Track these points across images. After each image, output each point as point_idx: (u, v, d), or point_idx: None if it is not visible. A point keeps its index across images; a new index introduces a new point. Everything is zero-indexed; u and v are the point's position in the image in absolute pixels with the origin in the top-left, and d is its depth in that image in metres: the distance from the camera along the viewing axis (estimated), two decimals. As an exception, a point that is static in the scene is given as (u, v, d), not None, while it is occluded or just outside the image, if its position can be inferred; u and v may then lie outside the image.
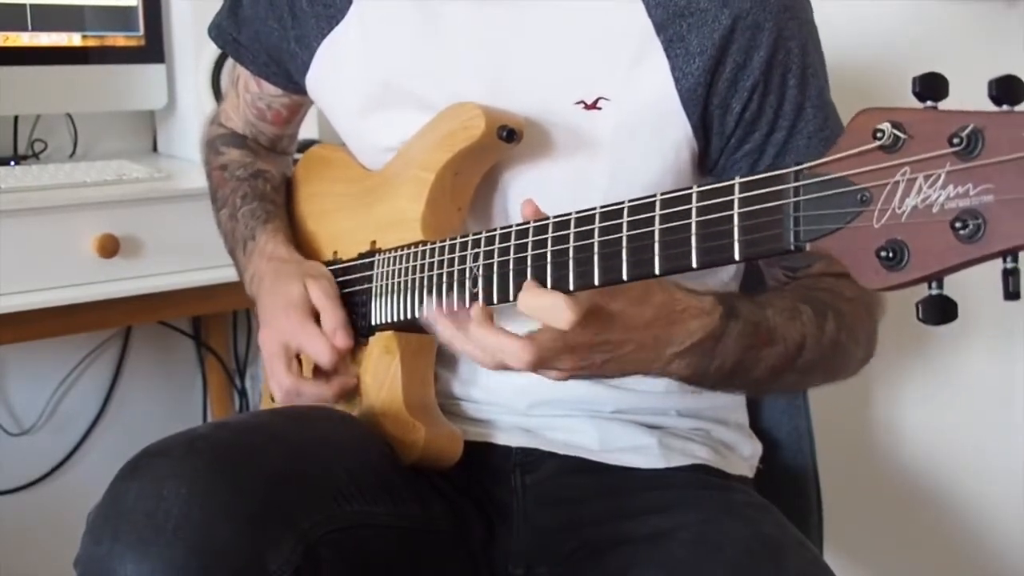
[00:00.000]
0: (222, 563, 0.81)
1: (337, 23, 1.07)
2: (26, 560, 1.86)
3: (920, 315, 0.61)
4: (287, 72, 1.16)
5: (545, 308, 0.80)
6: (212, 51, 1.74)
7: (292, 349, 1.05)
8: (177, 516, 0.81)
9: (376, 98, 1.06)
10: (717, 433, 1.11)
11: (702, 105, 0.95)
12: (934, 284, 0.60)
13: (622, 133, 0.97)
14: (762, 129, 0.97)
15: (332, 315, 1.04)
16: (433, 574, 1.02)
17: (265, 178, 1.22)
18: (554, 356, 0.82)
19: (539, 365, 0.82)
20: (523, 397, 1.04)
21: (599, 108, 0.97)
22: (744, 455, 1.13)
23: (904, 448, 1.60)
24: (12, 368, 1.92)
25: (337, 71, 1.09)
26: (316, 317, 1.04)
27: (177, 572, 0.80)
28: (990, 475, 1.52)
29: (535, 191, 0.98)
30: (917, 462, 1.58)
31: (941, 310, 0.60)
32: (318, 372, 1.06)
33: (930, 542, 1.58)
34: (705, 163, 1.00)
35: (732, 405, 1.14)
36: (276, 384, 1.06)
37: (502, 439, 1.06)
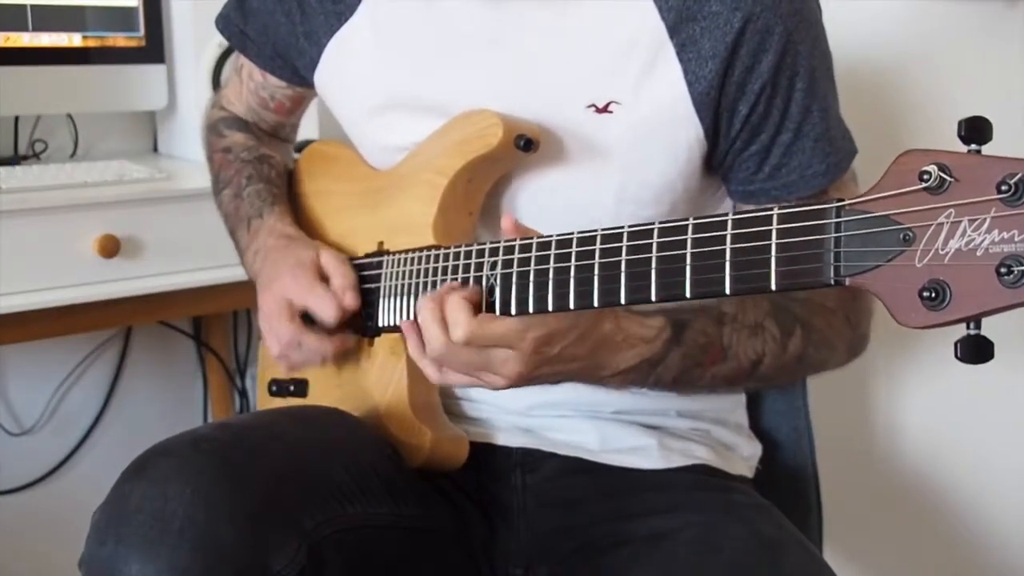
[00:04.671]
0: (226, 564, 0.82)
1: (346, 20, 1.07)
2: (26, 560, 1.86)
3: (958, 354, 0.63)
4: (293, 67, 1.16)
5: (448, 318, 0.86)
6: (212, 51, 1.74)
7: (296, 306, 1.05)
8: (182, 517, 0.81)
9: (385, 97, 1.06)
10: (717, 433, 1.11)
11: (714, 108, 0.95)
12: (972, 324, 0.62)
13: (634, 137, 0.96)
14: (768, 131, 0.97)
15: (343, 276, 1.04)
16: (435, 574, 1.02)
17: (270, 163, 1.22)
18: (478, 366, 0.87)
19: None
20: (523, 397, 1.04)
21: (610, 112, 0.96)
22: (744, 455, 1.13)
23: (904, 448, 1.60)
24: (12, 368, 1.92)
25: (346, 69, 1.09)
26: (324, 283, 1.05)
27: (181, 573, 0.80)
28: (990, 475, 1.52)
29: (545, 195, 0.99)
30: (917, 462, 1.58)
31: (978, 350, 0.62)
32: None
33: (930, 542, 1.58)
34: (712, 162, 1.00)
35: (731, 406, 1.14)
36: (275, 338, 1.06)
37: (502, 439, 1.06)
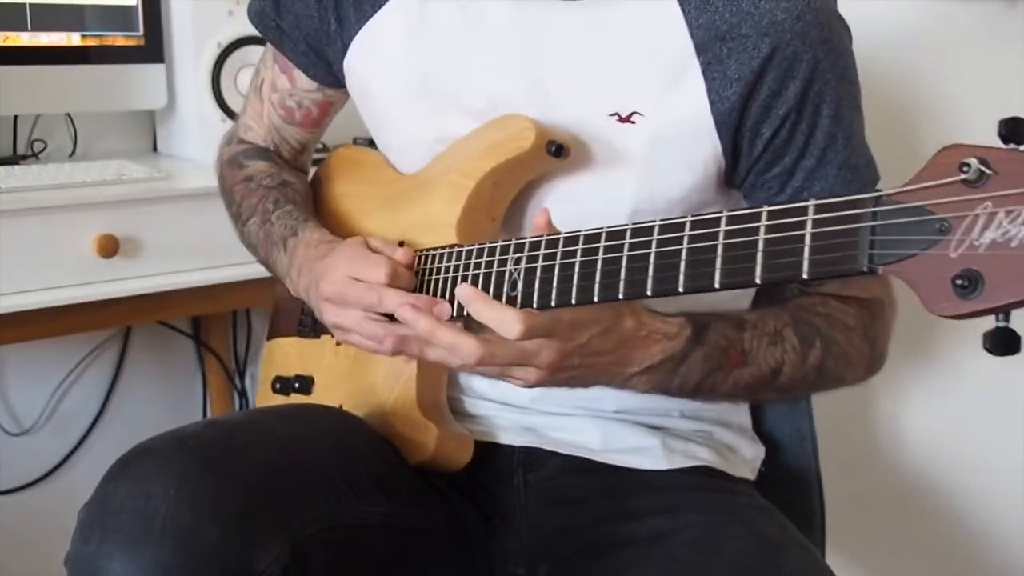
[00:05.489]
0: (210, 562, 0.81)
1: (380, 8, 1.06)
2: (26, 560, 1.86)
3: (986, 345, 0.63)
4: (327, 62, 1.14)
5: (495, 319, 0.85)
6: (212, 51, 1.74)
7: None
8: (165, 515, 0.81)
9: (412, 89, 1.06)
10: (719, 435, 1.11)
11: (734, 128, 0.96)
12: (1001, 316, 0.62)
13: (653, 148, 0.97)
14: (792, 155, 0.97)
15: (390, 247, 1.01)
16: (429, 573, 1.02)
17: (294, 188, 1.18)
18: (513, 362, 0.86)
19: (490, 363, 0.86)
20: (525, 390, 1.04)
21: (632, 122, 0.97)
22: (746, 457, 1.13)
23: (906, 450, 1.59)
24: (12, 368, 1.92)
25: (375, 58, 1.08)
26: None
27: (164, 571, 0.80)
28: (992, 477, 1.51)
29: (564, 200, 0.99)
30: (919, 464, 1.58)
31: (1007, 342, 0.63)
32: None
33: (932, 544, 1.58)
34: (732, 179, 1.00)
35: (734, 408, 1.14)
36: (351, 311, 0.98)
37: (505, 438, 1.06)
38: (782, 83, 0.94)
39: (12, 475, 1.93)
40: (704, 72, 0.95)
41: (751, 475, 1.13)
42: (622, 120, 0.97)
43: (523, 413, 1.07)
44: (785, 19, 0.93)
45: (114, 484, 0.85)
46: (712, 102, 0.95)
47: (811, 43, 0.94)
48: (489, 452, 1.06)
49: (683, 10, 0.95)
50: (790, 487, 1.21)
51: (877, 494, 1.61)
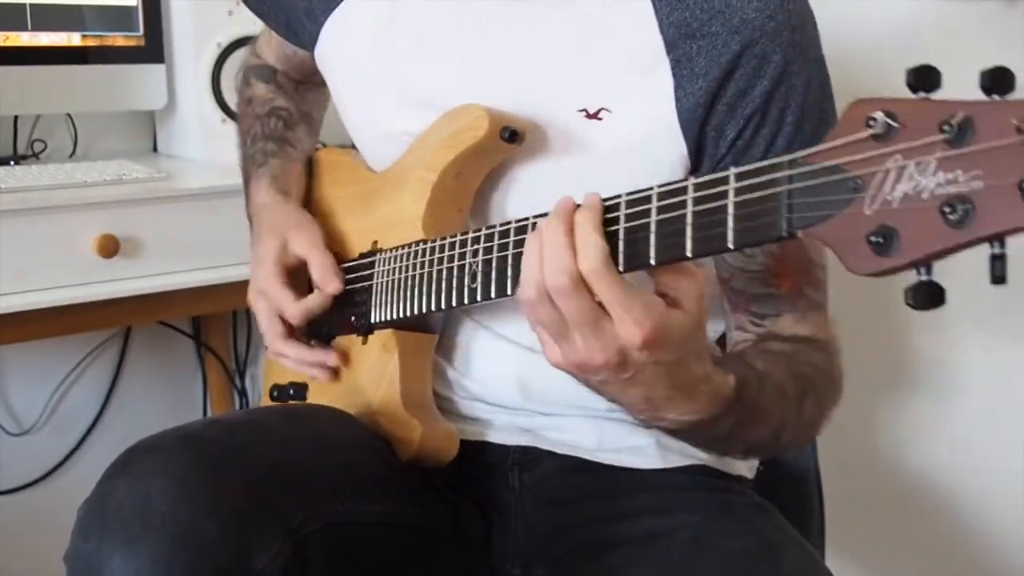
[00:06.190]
0: (208, 560, 0.81)
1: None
2: (26, 560, 1.86)
3: (909, 300, 0.61)
4: (303, 44, 1.16)
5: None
6: (212, 51, 1.74)
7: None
8: (164, 513, 0.81)
9: (378, 81, 1.06)
10: (716, 433, 1.11)
11: (699, 126, 0.95)
12: (923, 270, 0.61)
13: (619, 145, 0.96)
14: (752, 161, 0.96)
15: (319, 260, 1.08)
16: (428, 572, 1.02)
17: (279, 116, 1.23)
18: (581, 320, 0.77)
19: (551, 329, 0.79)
20: (517, 389, 1.04)
21: (600, 119, 0.96)
22: (743, 456, 1.13)
23: (906, 450, 1.59)
24: (12, 368, 1.92)
25: (343, 48, 1.08)
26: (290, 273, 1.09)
27: (163, 569, 0.80)
28: (991, 477, 1.51)
29: (529, 194, 0.99)
30: (919, 464, 1.58)
31: (929, 296, 0.61)
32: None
33: (932, 544, 1.58)
34: None
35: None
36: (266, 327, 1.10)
37: (500, 438, 1.06)
38: (749, 82, 0.93)
39: (12, 475, 1.93)
40: (673, 69, 0.94)
41: (749, 473, 1.13)
42: (590, 116, 0.96)
43: (518, 414, 1.07)
44: (756, 17, 0.92)
45: (113, 482, 0.85)
46: (679, 99, 0.94)
47: (781, 44, 0.93)
48: (484, 452, 1.06)
49: (655, 7, 0.95)
50: (789, 487, 1.20)
51: (877, 494, 1.61)
